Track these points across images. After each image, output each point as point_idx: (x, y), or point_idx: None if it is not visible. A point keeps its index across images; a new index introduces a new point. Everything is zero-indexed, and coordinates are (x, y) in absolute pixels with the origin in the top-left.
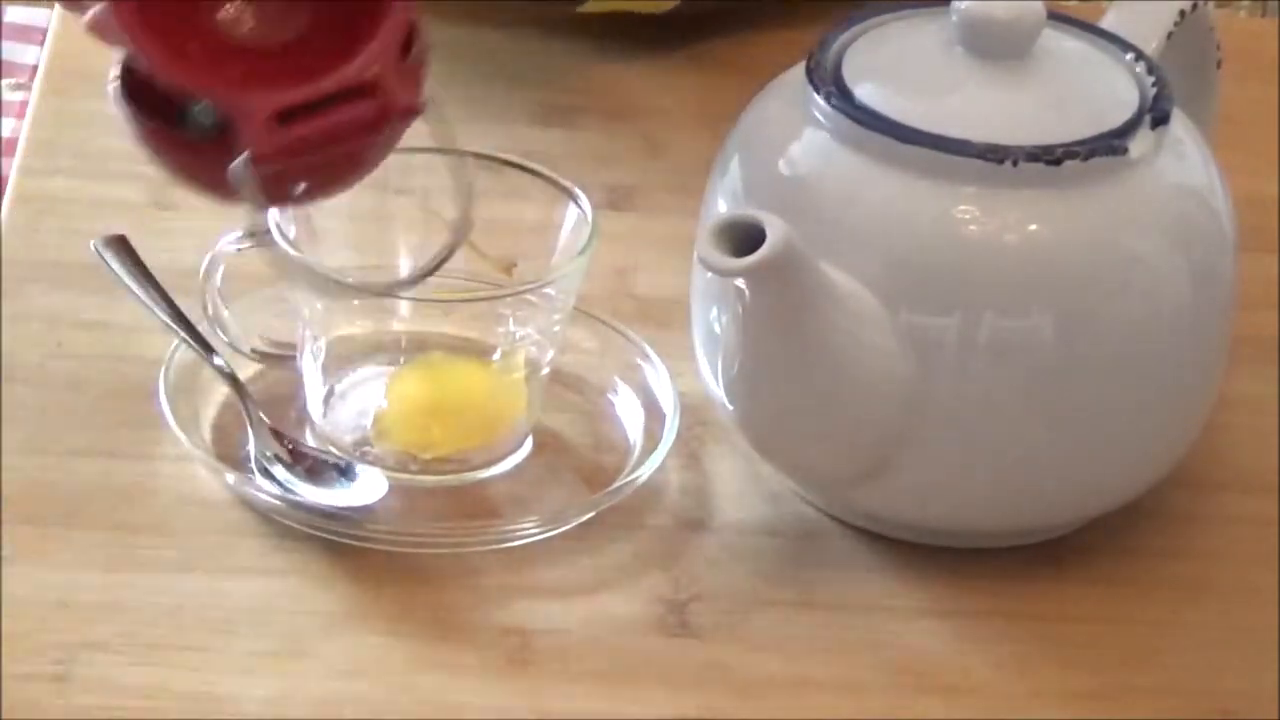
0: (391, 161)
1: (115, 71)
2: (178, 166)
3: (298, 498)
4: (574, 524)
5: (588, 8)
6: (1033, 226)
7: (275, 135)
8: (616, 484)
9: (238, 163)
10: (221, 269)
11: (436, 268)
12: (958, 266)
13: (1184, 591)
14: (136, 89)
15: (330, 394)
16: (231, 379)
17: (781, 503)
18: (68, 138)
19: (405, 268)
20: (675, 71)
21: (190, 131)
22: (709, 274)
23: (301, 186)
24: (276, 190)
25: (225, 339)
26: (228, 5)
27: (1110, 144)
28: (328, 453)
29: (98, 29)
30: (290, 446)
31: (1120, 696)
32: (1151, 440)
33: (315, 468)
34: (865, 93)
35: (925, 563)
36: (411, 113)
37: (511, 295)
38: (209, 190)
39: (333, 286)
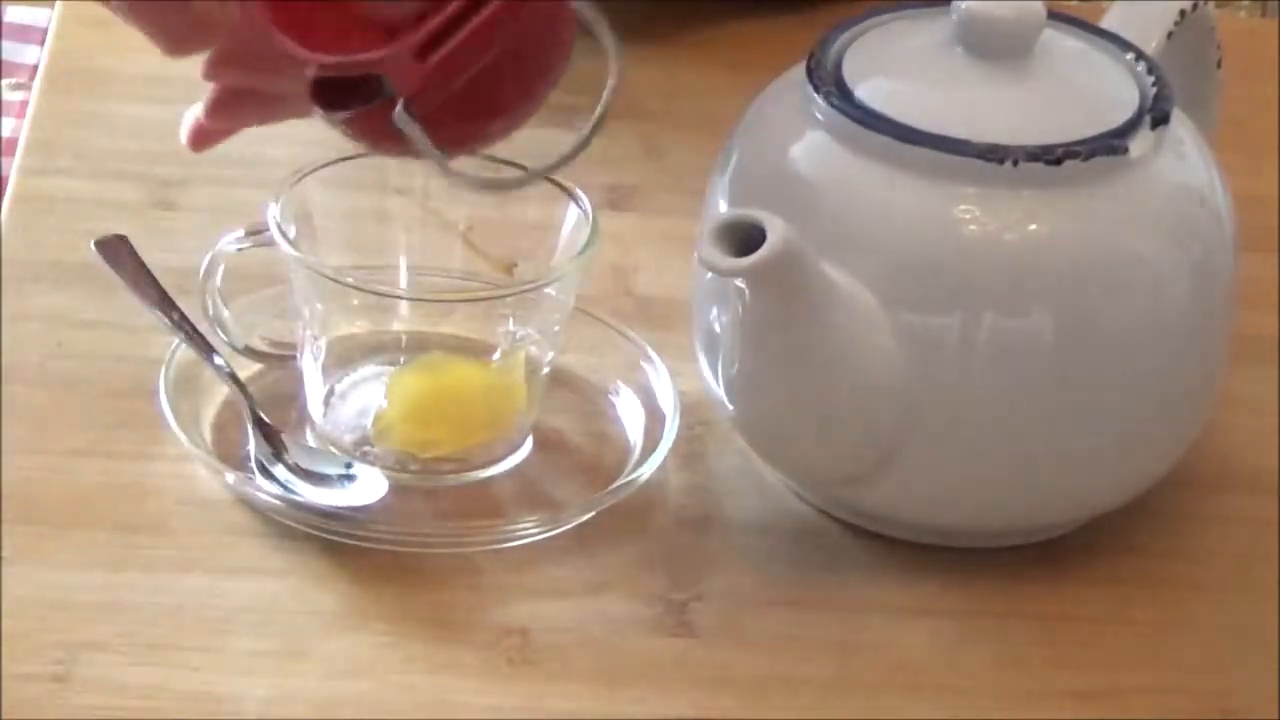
0: (391, 162)
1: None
2: (383, 144)
3: (298, 498)
4: (574, 524)
5: None
6: (1033, 226)
7: (419, 69)
8: (616, 484)
9: (397, 110)
10: (221, 269)
11: (559, 166)
12: (958, 266)
13: (1184, 591)
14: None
15: (330, 394)
16: (231, 379)
17: (782, 502)
18: (68, 138)
19: (405, 268)
20: (675, 71)
21: (364, 105)
22: (709, 274)
23: (484, 115)
24: (458, 127)
25: (225, 339)
26: None
27: (1110, 144)
28: (328, 453)
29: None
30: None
31: (1120, 696)
32: (1151, 440)
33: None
34: (865, 93)
35: (925, 563)
36: None
37: (511, 295)
38: (411, 154)
39: (333, 286)
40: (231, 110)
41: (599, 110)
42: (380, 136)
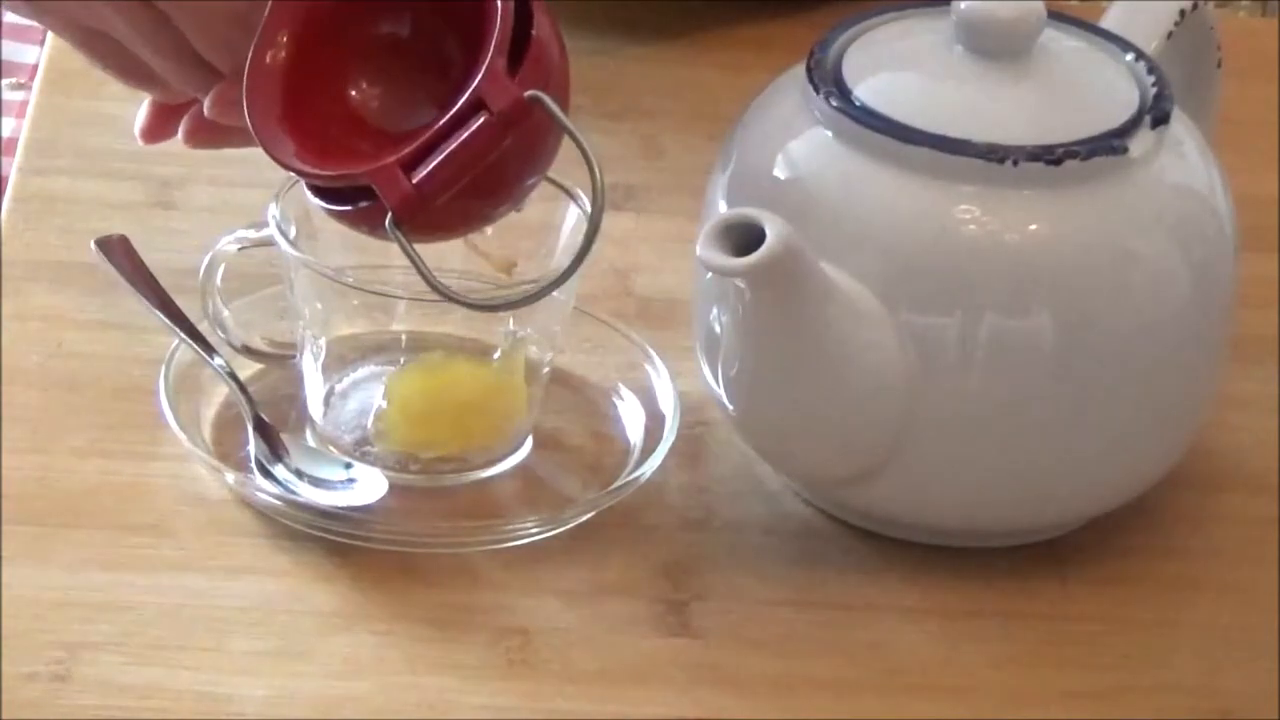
0: None
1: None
2: (379, 235)
3: (298, 498)
4: (574, 524)
5: None
6: (1033, 226)
7: (404, 185)
8: (616, 484)
9: (387, 221)
10: (221, 269)
11: (581, 260)
12: (958, 266)
13: (1184, 591)
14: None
15: (330, 394)
16: (232, 379)
17: (781, 502)
18: (68, 138)
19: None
20: (675, 71)
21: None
22: (709, 274)
23: (467, 218)
24: (444, 228)
25: (225, 339)
26: (356, 89)
27: (1110, 144)
28: (328, 453)
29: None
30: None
31: (1120, 696)
32: (1151, 440)
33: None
34: (865, 92)
35: (925, 563)
36: (516, 110)
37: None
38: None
39: (333, 286)
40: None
41: (583, 243)
42: (376, 230)
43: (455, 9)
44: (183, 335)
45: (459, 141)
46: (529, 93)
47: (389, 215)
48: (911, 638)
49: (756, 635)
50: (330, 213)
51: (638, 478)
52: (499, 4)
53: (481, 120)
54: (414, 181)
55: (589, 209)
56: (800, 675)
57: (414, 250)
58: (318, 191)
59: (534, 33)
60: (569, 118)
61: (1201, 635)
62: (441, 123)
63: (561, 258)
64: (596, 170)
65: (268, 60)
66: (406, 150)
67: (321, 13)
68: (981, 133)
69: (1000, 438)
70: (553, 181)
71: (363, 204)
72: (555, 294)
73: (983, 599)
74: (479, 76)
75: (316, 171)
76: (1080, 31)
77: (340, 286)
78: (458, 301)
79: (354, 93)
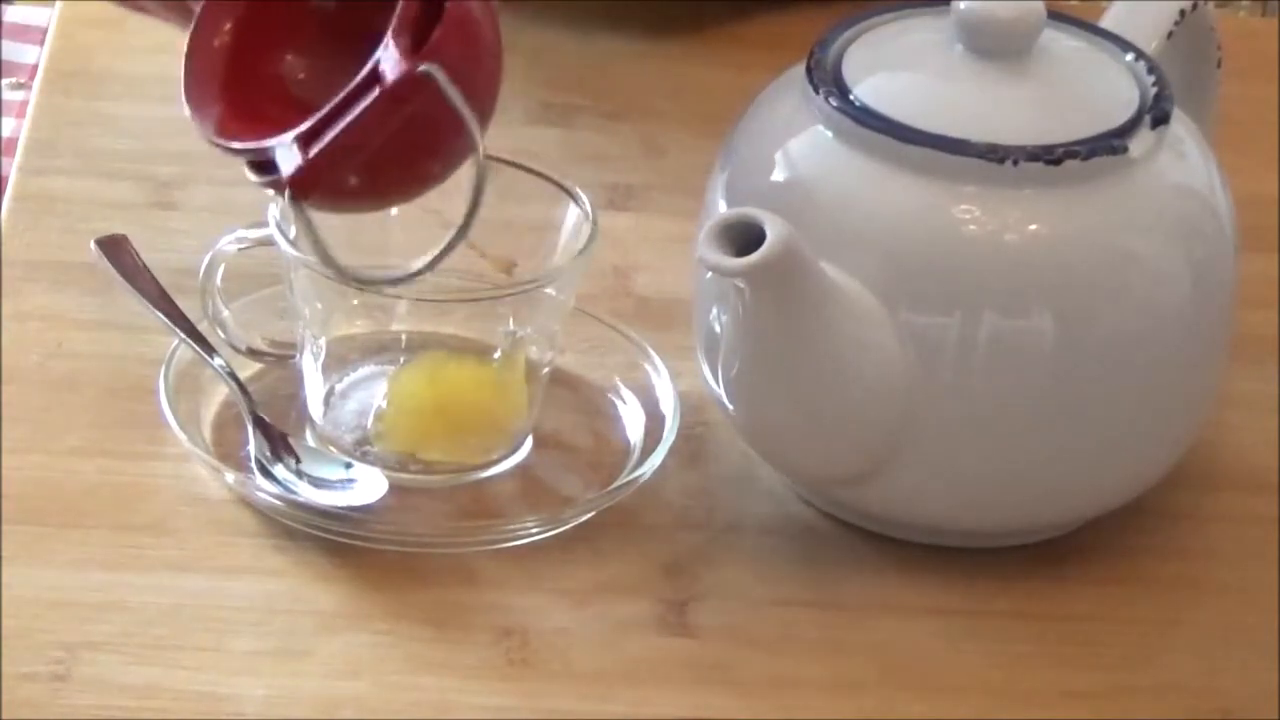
0: None
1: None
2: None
3: (298, 498)
4: (574, 524)
5: None
6: (1033, 226)
7: (297, 157)
8: (616, 484)
9: (285, 195)
10: (221, 269)
11: (437, 262)
12: (958, 266)
13: (1184, 591)
14: None
15: (330, 394)
16: (232, 379)
17: (781, 502)
18: (68, 138)
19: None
20: (675, 71)
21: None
22: (709, 274)
23: (375, 191)
24: (349, 200)
25: (225, 339)
26: (288, 64)
27: (1110, 144)
28: (328, 453)
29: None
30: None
31: (1120, 696)
32: (1151, 440)
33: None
34: (865, 92)
35: (925, 563)
36: (406, 84)
37: (511, 295)
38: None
39: (333, 286)
40: None
41: (467, 207)
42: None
43: None
44: (183, 335)
45: (352, 116)
46: (421, 67)
47: (287, 190)
48: (911, 638)
49: (756, 635)
50: (260, 183)
51: (638, 478)
52: None
53: (374, 94)
54: (309, 155)
55: (589, 209)
56: (800, 675)
57: (311, 222)
58: (249, 164)
59: (447, 9)
60: (568, 116)
61: (1201, 635)
62: (340, 97)
63: (560, 257)
64: (480, 150)
65: (210, 35)
66: (306, 124)
67: None
68: (981, 133)
69: (1000, 438)
70: (553, 181)
71: (276, 175)
72: (555, 294)
73: (983, 599)
74: (379, 51)
75: (227, 144)
76: (1080, 31)
77: (340, 286)
78: (346, 281)
79: (287, 68)
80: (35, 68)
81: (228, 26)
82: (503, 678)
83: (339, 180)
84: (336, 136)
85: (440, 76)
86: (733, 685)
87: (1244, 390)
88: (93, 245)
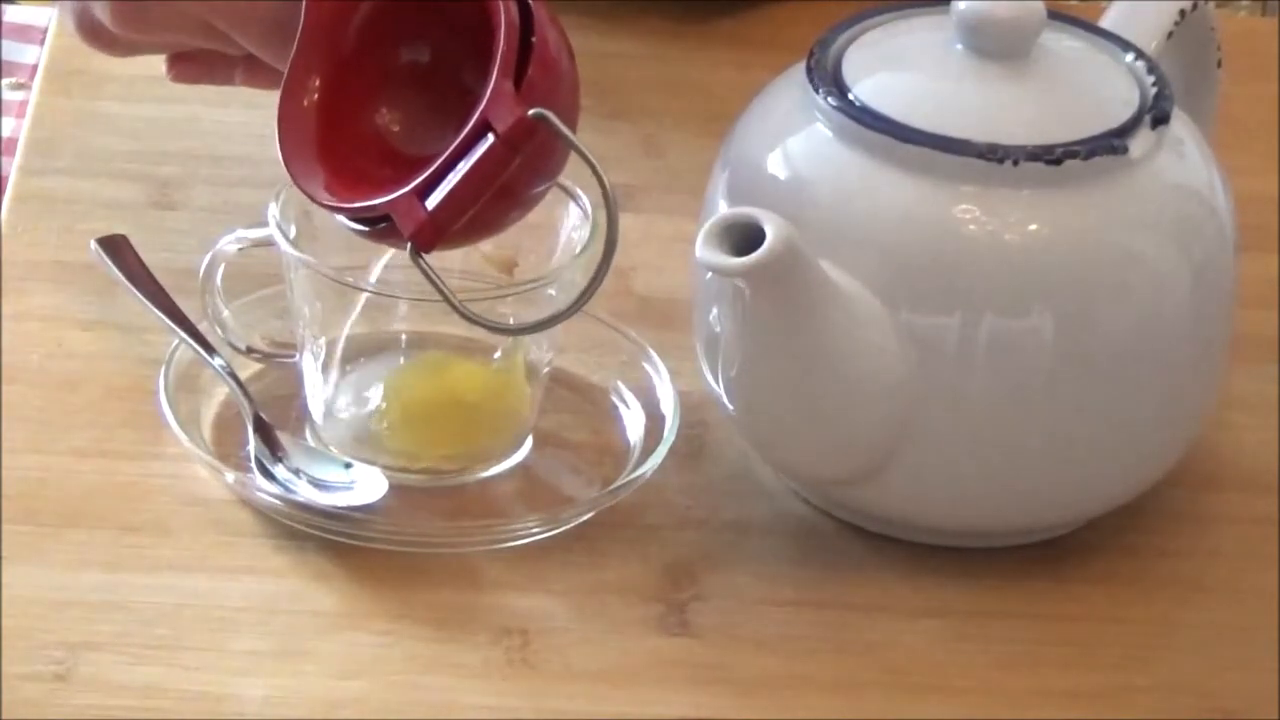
0: None
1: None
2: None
3: (298, 498)
4: (574, 524)
5: None
6: (1033, 226)
7: (419, 213)
8: (616, 484)
9: (408, 248)
10: (221, 269)
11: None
12: (958, 266)
13: (1184, 591)
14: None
15: (330, 394)
16: (232, 379)
17: (781, 502)
18: (68, 138)
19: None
20: (675, 71)
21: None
22: (709, 274)
23: (483, 230)
24: (462, 242)
25: (225, 339)
26: (381, 118)
27: (1110, 143)
28: (328, 453)
29: None
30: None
31: (1120, 696)
32: (1151, 440)
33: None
34: (865, 92)
35: (925, 563)
36: (520, 131)
37: (511, 295)
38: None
39: (333, 286)
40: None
41: (598, 267)
42: (401, 245)
43: (470, 31)
44: (183, 335)
45: (469, 166)
46: (532, 111)
47: (410, 244)
48: (911, 638)
49: (756, 635)
50: (363, 234)
51: (638, 478)
52: (503, 22)
53: (489, 143)
54: (429, 209)
55: (589, 209)
56: (800, 675)
57: (438, 276)
58: (354, 219)
59: (535, 46)
60: (580, 119)
61: (1201, 635)
62: (453, 148)
63: (561, 257)
64: (606, 183)
65: (299, 98)
66: (420, 178)
67: (346, 49)
68: (981, 133)
69: (1000, 438)
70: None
71: (382, 225)
72: (555, 294)
73: (983, 599)
74: (485, 98)
75: (341, 205)
76: (1080, 31)
77: (340, 286)
78: (484, 325)
79: (381, 122)
80: (35, 68)
81: (316, 83)
82: (503, 678)
83: (455, 228)
84: (455, 189)
85: (553, 120)
86: (733, 685)
87: (1244, 390)
88: (93, 245)
